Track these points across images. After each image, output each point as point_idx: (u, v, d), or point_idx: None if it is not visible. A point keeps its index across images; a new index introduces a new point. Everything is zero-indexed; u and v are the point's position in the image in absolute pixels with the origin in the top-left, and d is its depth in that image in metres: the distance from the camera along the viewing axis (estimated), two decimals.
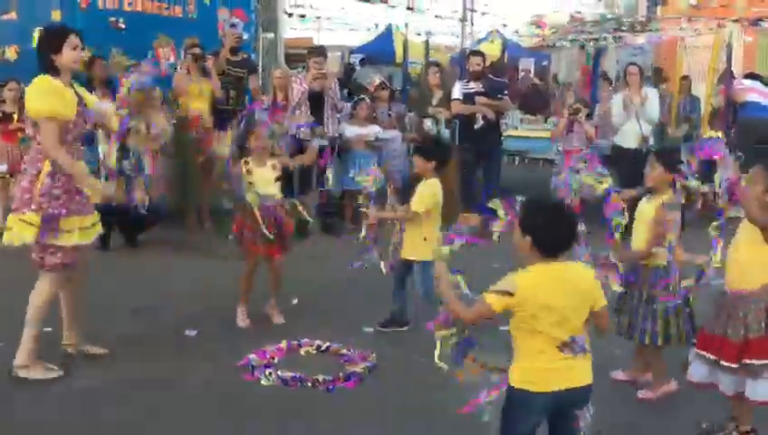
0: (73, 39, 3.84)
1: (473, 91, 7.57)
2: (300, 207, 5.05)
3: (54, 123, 3.68)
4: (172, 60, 8.25)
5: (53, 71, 3.79)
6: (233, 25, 7.92)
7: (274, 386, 3.84)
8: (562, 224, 2.50)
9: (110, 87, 7.15)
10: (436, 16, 21.95)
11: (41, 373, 3.83)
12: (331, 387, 3.83)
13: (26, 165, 3.85)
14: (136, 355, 4.22)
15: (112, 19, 8.01)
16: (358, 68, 16.52)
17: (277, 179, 4.75)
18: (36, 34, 4.23)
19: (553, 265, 2.47)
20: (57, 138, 3.69)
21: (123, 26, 8.06)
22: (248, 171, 4.66)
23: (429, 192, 4.55)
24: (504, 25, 21.82)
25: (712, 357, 3.19)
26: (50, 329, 4.10)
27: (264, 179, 4.68)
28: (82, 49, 3.94)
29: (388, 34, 19.50)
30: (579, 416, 2.56)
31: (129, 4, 8.12)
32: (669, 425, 3.56)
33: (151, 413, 3.55)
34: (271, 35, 11.30)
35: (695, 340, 3.44)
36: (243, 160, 4.71)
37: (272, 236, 4.60)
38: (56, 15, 7.80)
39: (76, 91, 3.90)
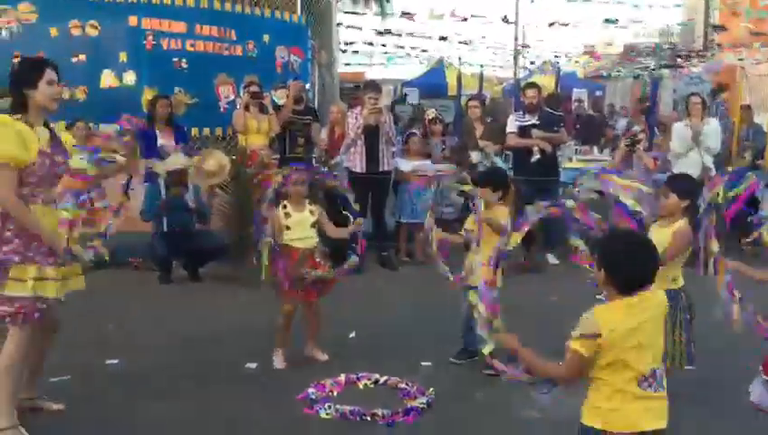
0: (50, 73, 3.48)
1: (528, 123, 7.56)
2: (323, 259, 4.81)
3: (7, 169, 3.34)
4: (232, 97, 8.53)
5: (22, 108, 3.45)
6: (296, 78, 8.21)
7: (333, 420, 3.86)
8: (640, 259, 2.43)
9: (172, 125, 7.41)
10: (487, 48, 22.01)
11: None
12: (390, 421, 3.82)
13: None
14: (199, 387, 4.30)
15: (176, 59, 8.34)
16: (411, 102, 16.71)
17: (313, 225, 4.74)
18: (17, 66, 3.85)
19: (631, 297, 2.41)
20: (9, 184, 3.34)
21: (186, 66, 8.37)
22: (286, 214, 4.68)
23: (505, 212, 4.41)
24: (557, 56, 21.81)
25: None
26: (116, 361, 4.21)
27: (301, 223, 4.70)
28: (59, 84, 3.56)
29: (440, 67, 19.69)
30: None
31: (192, 45, 8.43)
32: None
33: None
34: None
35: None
36: (282, 204, 4.72)
37: (312, 279, 4.57)
38: (123, 57, 8.16)
39: (50, 130, 3.57)
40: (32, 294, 3.38)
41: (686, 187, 3.98)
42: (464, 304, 4.62)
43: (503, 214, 4.36)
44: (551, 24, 18.93)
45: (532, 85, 7.93)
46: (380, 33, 17.00)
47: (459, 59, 15.49)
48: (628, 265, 2.40)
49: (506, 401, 4.10)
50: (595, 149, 12.39)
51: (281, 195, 4.84)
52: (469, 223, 4.72)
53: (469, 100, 8.67)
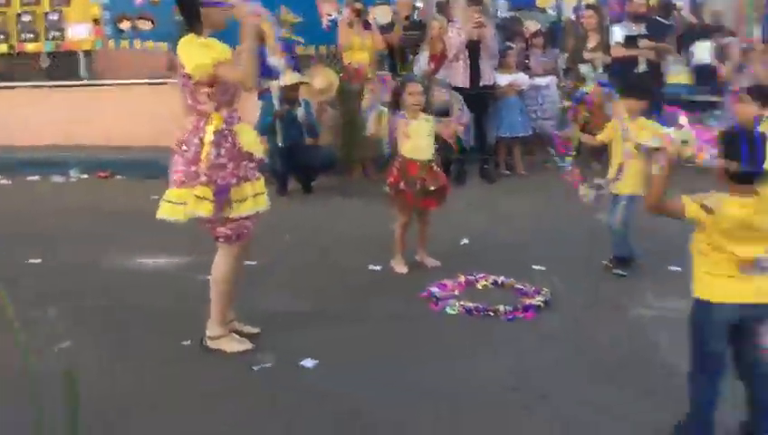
0: None
1: (635, 33, 7.44)
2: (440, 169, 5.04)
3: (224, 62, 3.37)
4: (334, 15, 8.69)
5: (197, 27, 3.42)
6: None
7: (459, 315, 4.19)
8: (760, 152, 2.58)
9: (280, 43, 7.67)
10: None
11: (233, 346, 3.73)
12: (510, 317, 4.12)
13: (187, 133, 3.50)
14: (329, 289, 4.68)
15: None
16: (503, 14, 16.36)
17: (430, 134, 4.84)
18: None
19: (753, 192, 2.58)
20: (234, 67, 3.40)
21: None
22: (405, 124, 4.82)
23: (647, 127, 4.40)
24: None
25: None
26: None
27: (420, 133, 4.82)
28: None
29: None
30: (762, 332, 2.67)
31: None
32: None
33: (353, 342, 3.88)
34: None
35: None
36: (399, 114, 4.85)
37: (432, 188, 4.79)
38: None
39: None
40: (253, 211, 3.59)
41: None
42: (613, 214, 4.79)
43: (650, 130, 4.29)
44: None
45: None
46: None
47: None
48: (748, 157, 2.56)
49: (620, 301, 4.35)
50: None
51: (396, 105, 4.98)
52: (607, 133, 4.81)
53: (587, 7, 8.40)
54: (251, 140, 3.61)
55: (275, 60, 7.55)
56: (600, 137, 4.91)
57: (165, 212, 3.54)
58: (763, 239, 2.59)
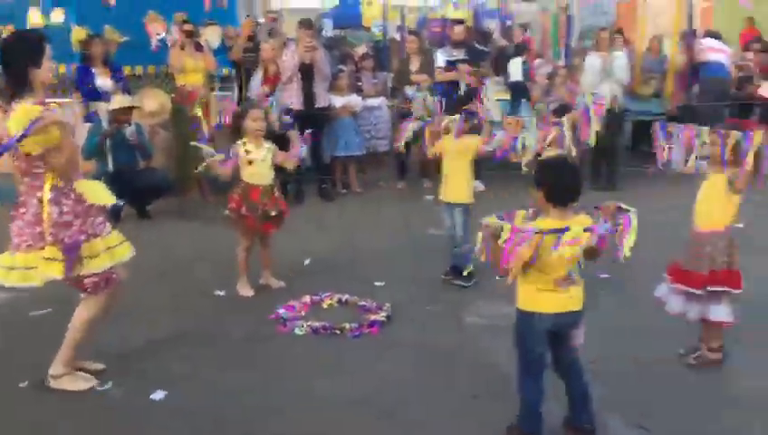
0: (48, 48, 3.40)
1: (455, 58, 8.00)
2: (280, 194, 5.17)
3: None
4: (163, 35, 8.53)
5: (27, 89, 3.32)
6: (247, 15, 8.31)
7: (307, 335, 4.33)
8: (569, 177, 2.98)
9: (108, 65, 7.45)
10: None
11: (78, 384, 3.66)
12: (357, 333, 4.33)
13: (23, 198, 3.42)
14: (174, 313, 4.66)
15: None
16: (328, 33, 16.76)
17: (271, 161, 4.93)
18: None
19: (565, 216, 2.95)
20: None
21: (114, 3, 8.31)
22: (246, 151, 4.88)
23: (474, 143, 5.03)
24: None
25: (684, 288, 3.77)
26: None
27: (261, 159, 4.91)
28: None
29: None
30: (575, 335, 3.08)
31: None
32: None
33: (205, 363, 3.97)
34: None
35: (667, 274, 3.99)
36: (241, 141, 4.91)
37: (273, 213, 4.90)
38: None
39: None
40: (109, 265, 3.50)
41: None
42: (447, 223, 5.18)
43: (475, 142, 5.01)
44: None
45: (460, 22, 8.36)
46: None
47: None
48: (559, 183, 2.94)
49: (454, 311, 4.70)
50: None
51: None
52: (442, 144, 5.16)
53: (409, 32, 8.91)
54: (97, 193, 3.53)
55: (103, 81, 7.32)
56: (432, 151, 5.25)
57: (15, 279, 3.43)
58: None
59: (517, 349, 3.13)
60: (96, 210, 3.49)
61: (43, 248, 3.36)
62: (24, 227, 3.38)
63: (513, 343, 3.14)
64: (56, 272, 3.38)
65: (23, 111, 3.25)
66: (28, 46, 3.38)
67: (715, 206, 3.77)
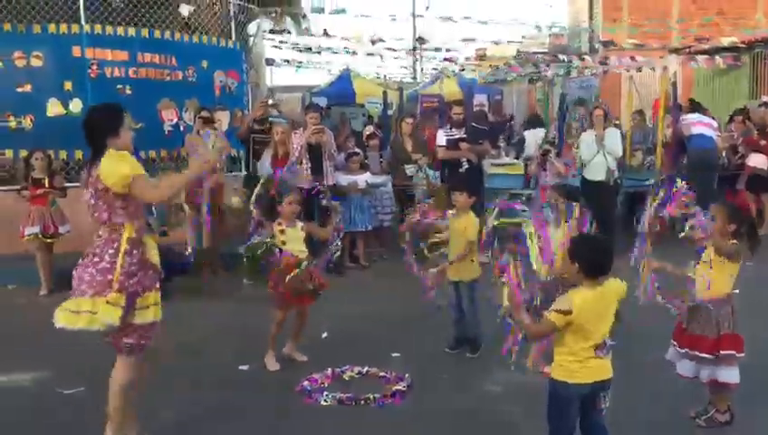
0: (128, 118, 3.72)
1: (456, 137, 8.43)
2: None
3: (142, 176, 3.59)
4: (175, 120, 8.96)
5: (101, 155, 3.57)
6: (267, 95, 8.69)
7: (332, 406, 4.54)
8: (603, 253, 3.23)
9: None
10: (387, 48, 22.41)
11: None
12: (380, 403, 4.55)
13: (100, 245, 3.63)
14: (196, 388, 4.86)
15: (119, 86, 8.71)
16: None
17: (305, 239, 5.24)
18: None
19: (598, 284, 3.19)
20: (150, 185, 3.65)
21: (130, 92, 8.75)
22: (281, 231, 5.16)
23: (474, 222, 5.32)
24: (451, 60, 22.54)
25: (694, 353, 4.03)
26: None
27: (295, 238, 5.19)
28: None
29: (346, 76, 20.35)
30: (602, 399, 3.28)
31: (135, 72, 8.82)
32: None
33: None
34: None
35: (673, 340, 4.24)
36: (276, 222, 5.20)
37: (311, 287, 5.17)
38: (68, 86, 8.46)
39: None
40: (154, 319, 3.72)
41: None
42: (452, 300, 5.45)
43: (474, 223, 5.33)
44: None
45: (459, 103, 8.84)
46: (300, 51, 17.56)
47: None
48: (593, 258, 3.20)
49: (469, 379, 4.93)
50: (502, 153, 13.44)
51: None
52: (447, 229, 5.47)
53: (403, 117, 9.38)
54: (155, 252, 3.78)
55: None
56: (441, 236, 5.55)
57: (83, 323, 3.56)
58: (607, 320, 3.20)
59: (551, 422, 3.28)
60: (151, 264, 3.71)
61: (107, 295, 3.53)
62: (97, 274, 3.57)
63: (547, 416, 3.29)
64: (115, 318, 3.54)
65: (114, 156, 3.53)
66: (107, 116, 3.68)
67: (711, 274, 4.06)
